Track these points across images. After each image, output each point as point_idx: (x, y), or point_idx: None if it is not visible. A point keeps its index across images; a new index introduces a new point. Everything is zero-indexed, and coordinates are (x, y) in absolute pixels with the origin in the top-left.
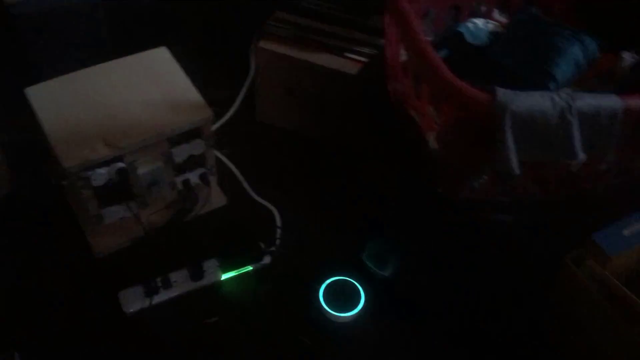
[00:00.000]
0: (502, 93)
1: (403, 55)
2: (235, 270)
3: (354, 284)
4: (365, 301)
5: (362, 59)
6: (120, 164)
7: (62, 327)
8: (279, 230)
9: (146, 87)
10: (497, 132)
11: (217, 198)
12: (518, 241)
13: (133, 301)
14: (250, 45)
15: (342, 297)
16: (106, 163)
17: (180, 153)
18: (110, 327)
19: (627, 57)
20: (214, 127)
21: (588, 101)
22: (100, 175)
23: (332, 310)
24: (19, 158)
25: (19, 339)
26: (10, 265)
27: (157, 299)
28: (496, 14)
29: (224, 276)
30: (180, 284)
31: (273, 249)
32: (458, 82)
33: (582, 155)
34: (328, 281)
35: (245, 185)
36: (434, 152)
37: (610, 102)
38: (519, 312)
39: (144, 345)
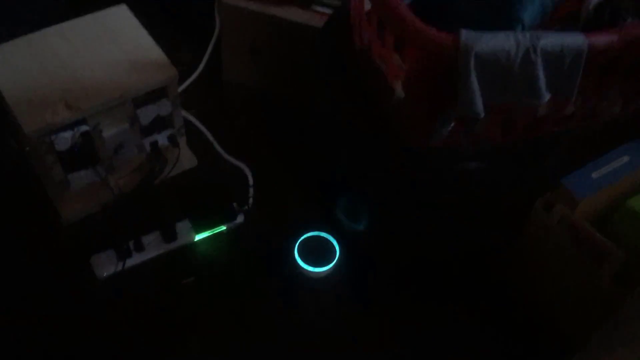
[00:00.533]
0: (466, 34)
1: (367, 5)
2: (209, 231)
3: (328, 239)
4: (340, 255)
5: (329, 11)
6: (84, 127)
7: (33, 295)
8: (251, 189)
9: (107, 46)
10: (461, 74)
11: (187, 159)
12: (488, 189)
13: (106, 266)
14: (214, 1)
15: (318, 252)
16: (70, 127)
17: (146, 114)
18: (84, 293)
19: None
20: (181, 87)
21: (552, 40)
22: (64, 140)
23: (307, 265)
24: None
25: None
26: None
27: (130, 262)
28: None
29: (198, 237)
30: (153, 246)
31: (246, 207)
32: (421, 25)
33: (547, 96)
34: (303, 237)
35: (216, 145)
36: (400, 101)
37: (575, 40)
38: (489, 259)
39: (119, 309)
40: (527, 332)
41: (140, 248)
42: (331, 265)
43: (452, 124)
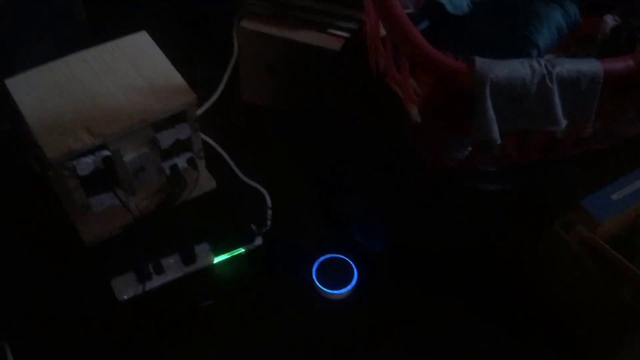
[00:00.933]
0: (481, 62)
1: (383, 30)
2: (228, 253)
3: (346, 260)
4: (359, 277)
5: (345, 34)
6: (106, 152)
7: (54, 316)
8: (269, 211)
9: (128, 73)
10: (476, 101)
11: (206, 182)
12: (505, 209)
13: (126, 288)
14: (232, 25)
15: (336, 274)
16: (91, 151)
17: (166, 138)
18: (104, 315)
19: (609, 21)
20: (200, 110)
21: (568, 67)
22: (86, 164)
23: (325, 288)
24: (3, 149)
25: (8, 330)
26: None
27: (150, 285)
28: None
29: (217, 259)
30: (172, 269)
31: (264, 230)
32: (435, 52)
33: (564, 122)
34: (321, 259)
35: (234, 167)
36: (417, 125)
37: (591, 66)
38: (492, 263)
39: (139, 331)
40: (528, 332)
41: (159, 271)
42: (349, 287)
43: (469, 149)
